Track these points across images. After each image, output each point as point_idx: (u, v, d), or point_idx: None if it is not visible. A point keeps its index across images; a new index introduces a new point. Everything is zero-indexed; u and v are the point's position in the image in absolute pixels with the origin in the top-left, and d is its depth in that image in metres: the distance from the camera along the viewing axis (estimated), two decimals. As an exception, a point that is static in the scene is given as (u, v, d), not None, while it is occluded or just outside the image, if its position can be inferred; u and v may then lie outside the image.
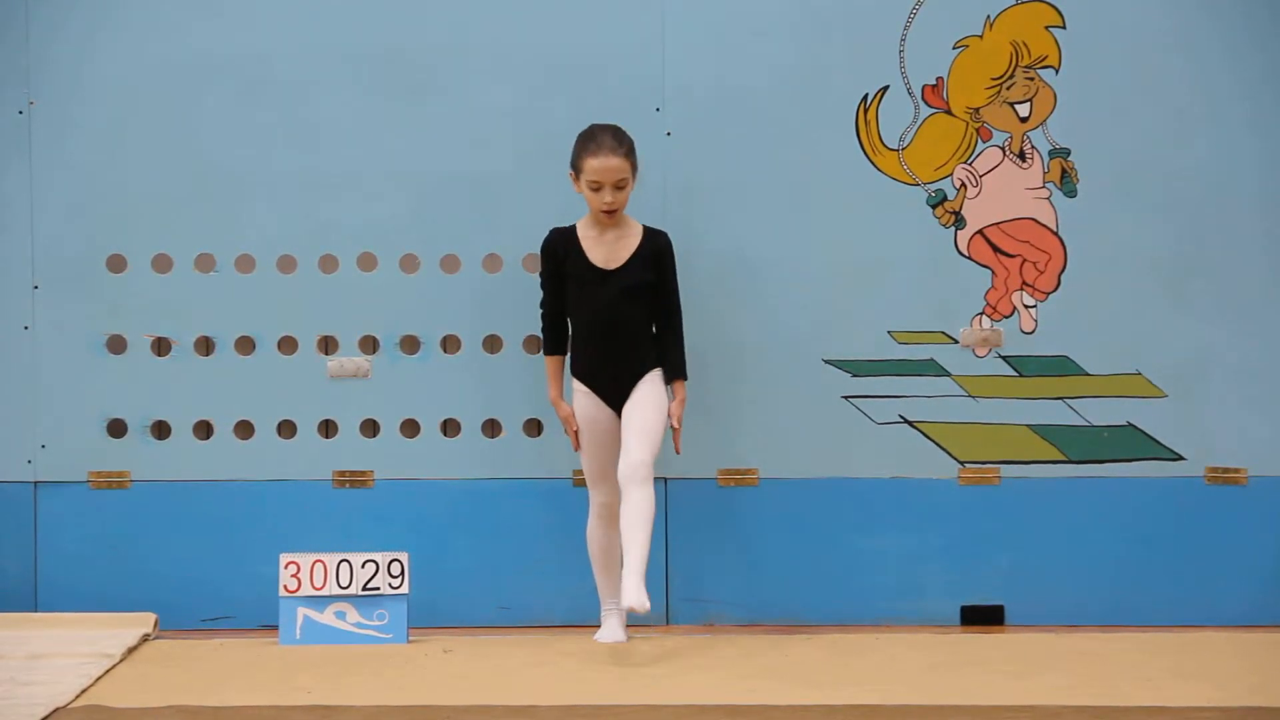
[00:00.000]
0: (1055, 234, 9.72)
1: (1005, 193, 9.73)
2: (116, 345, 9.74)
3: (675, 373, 9.04)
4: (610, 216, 8.88)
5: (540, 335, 9.22)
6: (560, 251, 8.97)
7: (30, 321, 9.71)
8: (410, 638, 9.27)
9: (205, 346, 9.77)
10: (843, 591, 9.71)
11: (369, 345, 9.76)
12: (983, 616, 9.75)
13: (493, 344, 9.75)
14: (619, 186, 8.82)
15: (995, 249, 9.74)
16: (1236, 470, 9.69)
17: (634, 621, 9.17)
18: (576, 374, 9.01)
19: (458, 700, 7.82)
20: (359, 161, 9.70)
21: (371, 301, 9.74)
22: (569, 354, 9.07)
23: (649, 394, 8.91)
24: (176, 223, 9.71)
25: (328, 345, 9.77)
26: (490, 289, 9.73)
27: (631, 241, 8.99)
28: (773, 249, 9.70)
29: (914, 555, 9.71)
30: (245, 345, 9.75)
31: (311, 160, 9.69)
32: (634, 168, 8.87)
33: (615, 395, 8.94)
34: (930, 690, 8.01)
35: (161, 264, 9.74)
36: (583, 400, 8.97)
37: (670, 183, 9.66)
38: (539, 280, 9.13)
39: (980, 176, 9.72)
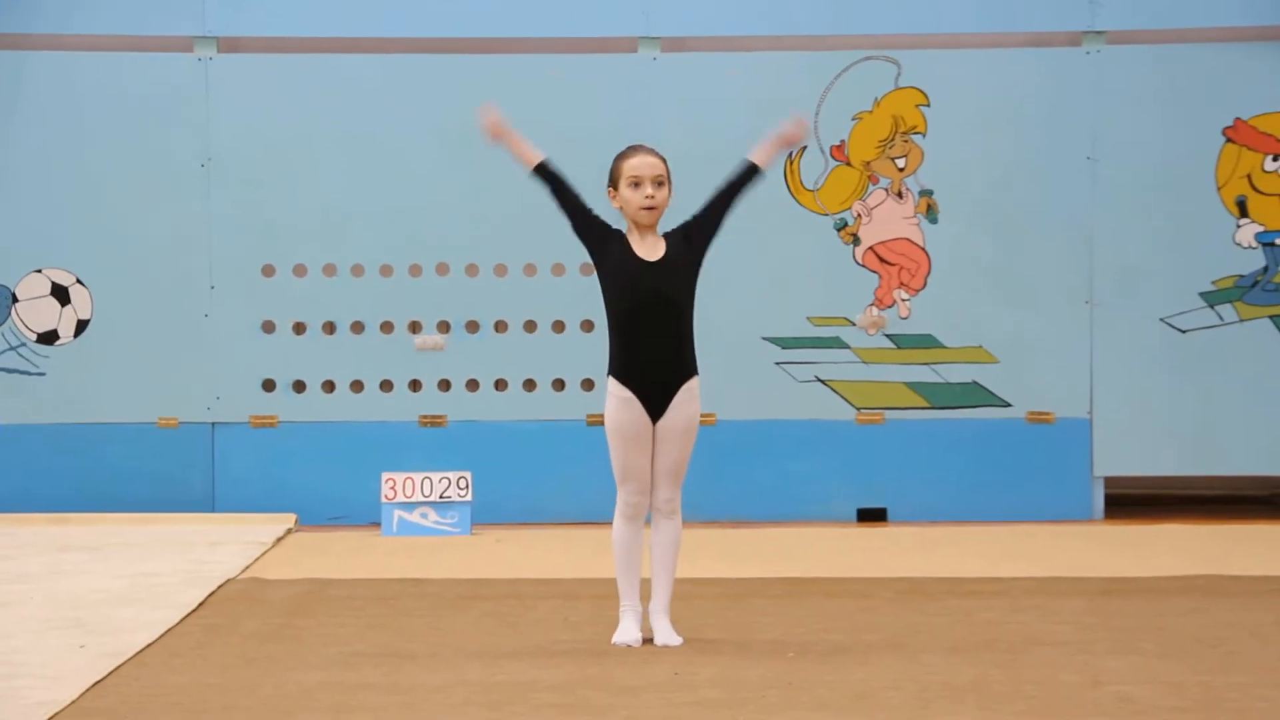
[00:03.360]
0: (923, 249, 9.74)
1: (888, 220, 9.74)
2: (268, 328, 9.77)
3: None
4: (650, 214, 6.36)
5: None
6: (610, 233, 6.45)
7: (209, 311, 9.73)
8: (473, 531, 9.31)
9: (330, 328, 9.79)
10: (775, 498, 9.73)
11: (444, 327, 9.78)
12: (871, 516, 9.77)
13: (530, 326, 9.77)
14: (658, 182, 6.40)
15: (881, 259, 9.76)
16: (1047, 413, 9.71)
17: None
18: (616, 374, 6.34)
19: (505, 575, 7.84)
20: (435, 199, 9.71)
21: (445, 296, 9.76)
22: (609, 352, 6.44)
23: (684, 423, 6.32)
24: (309, 242, 9.73)
25: (415, 327, 9.79)
26: (529, 288, 9.75)
27: (660, 240, 6.43)
28: (727, 258, 9.70)
29: (824, 473, 9.73)
30: (357, 327, 9.77)
31: (403, 198, 9.71)
32: (669, 178, 6.48)
33: (656, 397, 6.32)
34: (836, 567, 8.02)
35: (299, 271, 9.76)
36: (620, 407, 6.32)
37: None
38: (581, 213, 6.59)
39: (871, 209, 9.74)
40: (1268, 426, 9.68)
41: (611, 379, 6.33)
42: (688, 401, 6.30)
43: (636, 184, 6.37)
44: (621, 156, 6.46)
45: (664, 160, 6.42)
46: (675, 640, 6.17)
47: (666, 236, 6.44)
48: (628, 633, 6.24)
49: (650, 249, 6.39)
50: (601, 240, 6.41)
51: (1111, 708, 5.24)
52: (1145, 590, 7.27)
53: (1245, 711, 5.18)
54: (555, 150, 9.71)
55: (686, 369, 6.36)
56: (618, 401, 6.31)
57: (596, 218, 6.40)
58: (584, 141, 9.71)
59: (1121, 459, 9.71)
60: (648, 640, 6.21)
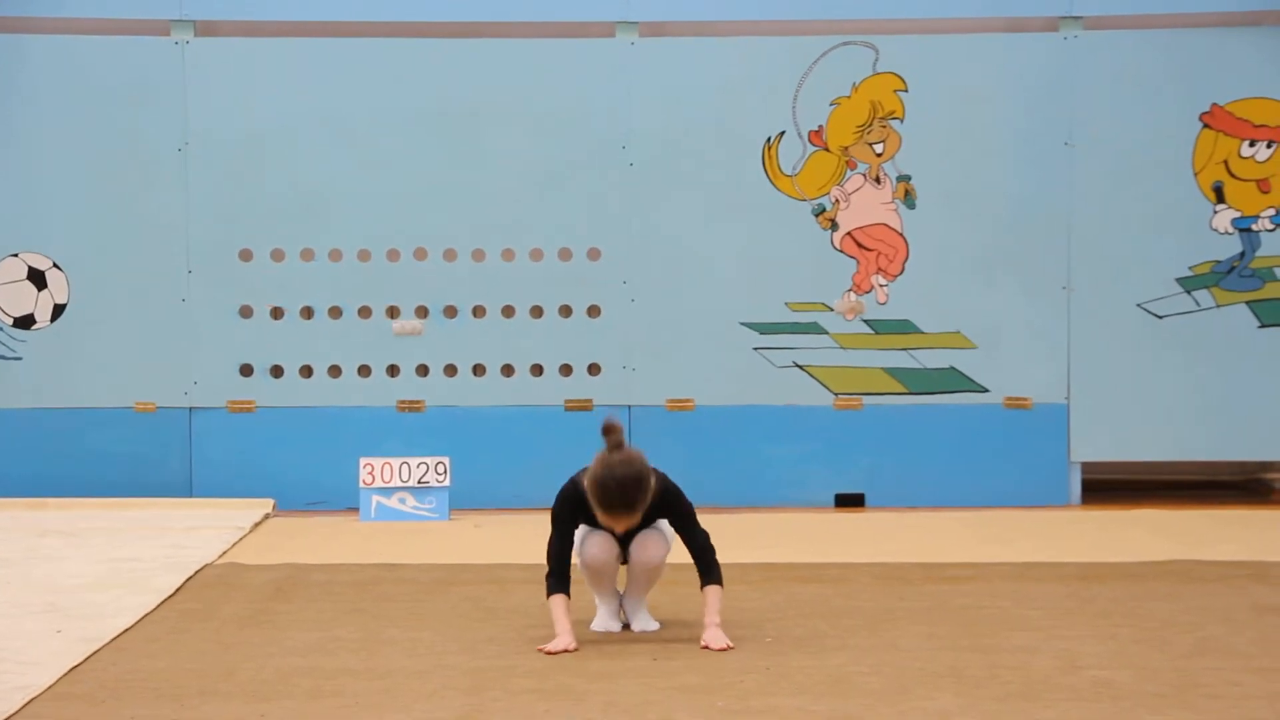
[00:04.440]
0: (901, 234, 9.75)
1: (866, 206, 9.75)
2: (246, 312, 9.75)
3: (709, 579, 6.02)
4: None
5: (546, 570, 6.02)
6: (579, 503, 5.95)
7: (186, 296, 9.71)
8: (451, 516, 9.31)
9: (307, 313, 9.77)
10: (752, 484, 9.74)
11: (422, 312, 9.77)
12: (849, 501, 9.79)
13: (508, 311, 9.76)
14: (630, 528, 6.06)
15: (859, 245, 9.77)
16: (1025, 399, 9.74)
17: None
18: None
19: (484, 560, 7.85)
20: (414, 184, 9.69)
21: (423, 281, 9.75)
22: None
23: (656, 536, 6.12)
24: (286, 227, 9.72)
25: (393, 312, 9.78)
26: (506, 273, 9.74)
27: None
28: (706, 244, 9.72)
29: (802, 459, 9.74)
30: (335, 312, 9.76)
31: (381, 184, 9.70)
32: (648, 500, 5.91)
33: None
34: (813, 552, 8.04)
35: (277, 256, 9.74)
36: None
37: (632, 201, 9.68)
38: (551, 518, 6.10)
39: (849, 195, 9.75)
40: (1244, 412, 9.72)
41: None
42: (656, 527, 6.13)
43: (608, 523, 5.99)
44: (599, 503, 5.88)
45: (643, 503, 5.89)
46: (652, 625, 6.19)
47: (652, 503, 5.98)
48: (605, 620, 6.21)
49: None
50: (574, 516, 6.02)
51: (1088, 692, 5.27)
52: (1122, 575, 7.30)
53: (1220, 696, 5.21)
54: (538, 130, 9.76)
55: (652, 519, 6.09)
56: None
57: (565, 518, 6.02)
58: (562, 127, 9.72)
59: (1098, 444, 9.74)
60: (625, 626, 6.22)
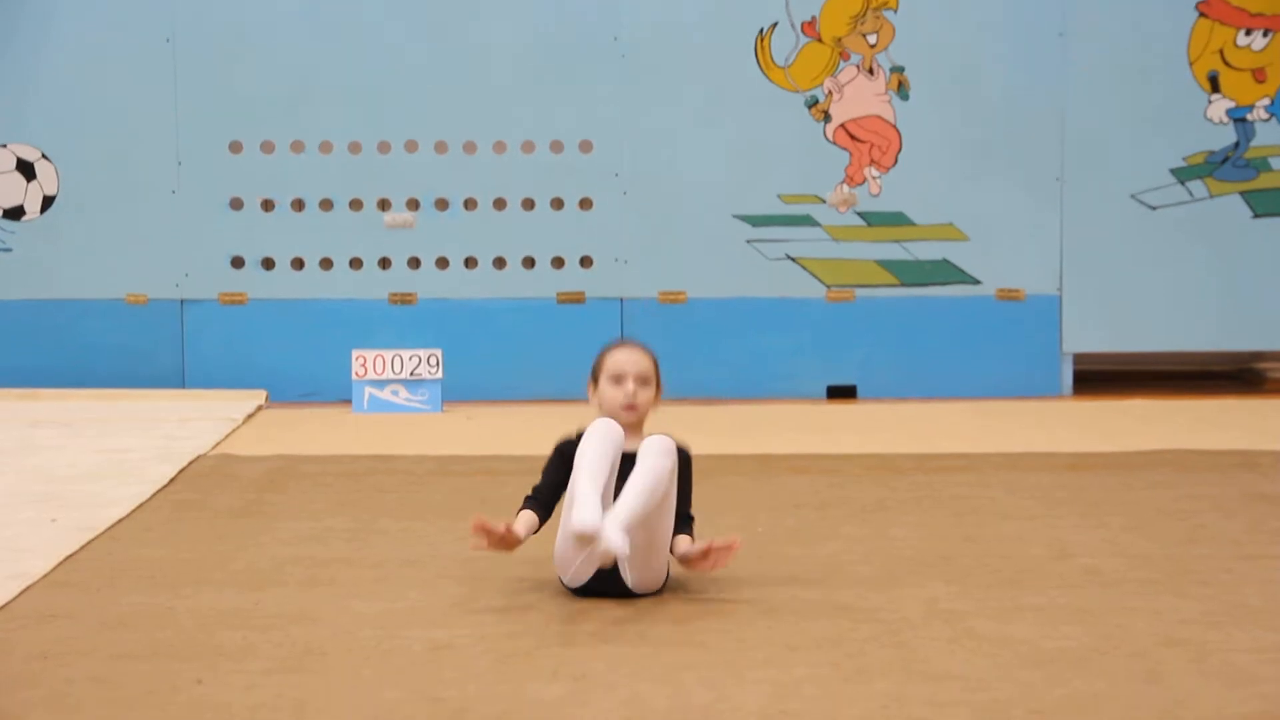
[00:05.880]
0: (894, 126, 9.71)
1: (859, 97, 9.70)
2: (236, 204, 9.72)
3: (686, 529, 5.22)
4: (630, 414, 5.20)
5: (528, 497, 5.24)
6: (571, 457, 5.11)
7: (176, 187, 9.67)
8: (443, 408, 9.32)
9: (298, 205, 9.74)
10: (745, 376, 9.76)
11: (413, 204, 9.75)
12: (841, 393, 9.82)
13: (500, 204, 9.73)
14: (643, 381, 5.25)
15: (852, 137, 9.73)
16: (1017, 290, 9.74)
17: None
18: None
19: (476, 451, 7.87)
20: (404, 74, 9.64)
21: (414, 173, 9.71)
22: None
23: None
24: (276, 119, 9.67)
25: (384, 204, 9.76)
26: (499, 165, 9.71)
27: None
28: (698, 136, 9.69)
29: (794, 351, 9.76)
30: (326, 205, 9.73)
31: (371, 74, 9.64)
32: (659, 379, 5.32)
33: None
34: (805, 444, 8.07)
35: (267, 147, 9.70)
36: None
37: (624, 93, 9.63)
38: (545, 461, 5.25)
39: (842, 86, 9.70)
40: (1236, 302, 9.73)
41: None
42: None
43: (618, 380, 5.24)
44: (606, 349, 5.33)
45: (654, 358, 5.31)
46: (623, 545, 4.83)
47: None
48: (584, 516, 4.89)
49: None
50: (567, 466, 5.12)
51: (1078, 580, 5.30)
52: (1113, 465, 7.33)
53: (1210, 583, 5.24)
54: (525, 24, 9.69)
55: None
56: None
57: (555, 466, 5.18)
58: (554, 17, 9.64)
59: (1090, 335, 9.75)
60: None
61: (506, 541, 4.99)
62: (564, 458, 5.15)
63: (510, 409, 9.29)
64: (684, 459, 5.17)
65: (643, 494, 4.93)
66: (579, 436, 5.11)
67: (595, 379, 5.30)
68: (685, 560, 5.11)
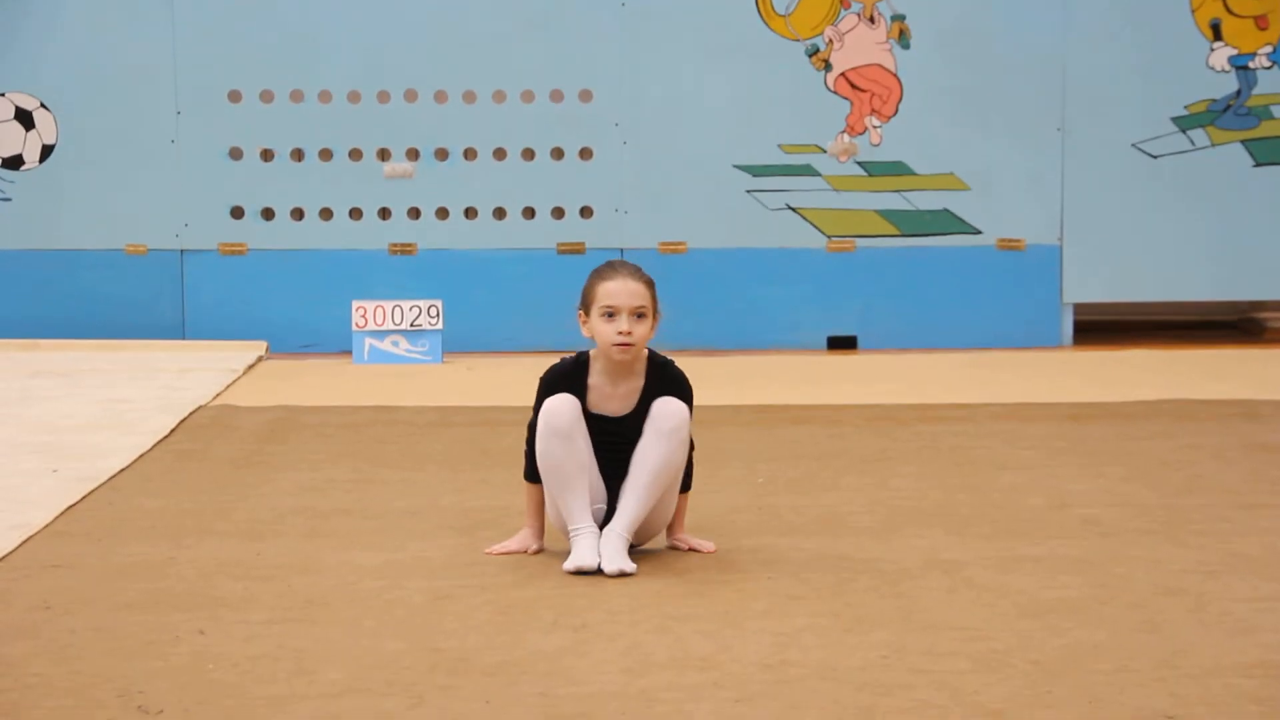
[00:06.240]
0: (895, 75, 9.69)
1: (860, 46, 9.68)
2: (236, 154, 9.70)
3: (682, 487, 5.03)
4: (625, 352, 4.83)
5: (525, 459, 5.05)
6: (558, 388, 4.91)
7: (175, 137, 9.65)
8: (444, 359, 9.33)
9: (298, 155, 9.73)
10: (745, 326, 9.76)
11: (413, 154, 9.73)
12: (841, 344, 9.82)
13: (500, 154, 9.72)
14: (638, 314, 4.85)
15: (853, 86, 9.70)
16: (1018, 240, 9.73)
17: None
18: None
19: (476, 402, 7.88)
20: (403, 24, 9.61)
21: (414, 123, 9.69)
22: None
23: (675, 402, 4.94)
24: (275, 68, 9.64)
25: (383, 154, 9.74)
26: (498, 115, 9.69)
27: (638, 383, 4.94)
28: (698, 86, 9.66)
29: (794, 301, 9.75)
30: (325, 154, 9.71)
31: (370, 23, 9.61)
32: (655, 305, 4.92)
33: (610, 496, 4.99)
34: (805, 394, 8.08)
35: (266, 97, 9.67)
36: None
37: (624, 42, 9.60)
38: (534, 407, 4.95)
39: (843, 35, 9.66)
40: (1237, 251, 9.72)
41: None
42: None
43: (611, 315, 4.85)
44: (597, 275, 4.94)
45: (650, 284, 4.91)
46: (629, 566, 4.78)
47: (652, 372, 4.95)
48: (583, 555, 4.80)
49: (618, 396, 4.93)
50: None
51: (1077, 529, 5.31)
52: (1112, 415, 7.34)
53: (1208, 533, 5.26)
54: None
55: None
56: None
57: (540, 402, 4.90)
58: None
59: (1091, 285, 9.75)
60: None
61: (529, 551, 5.02)
62: (552, 385, 4.92)
63: (510, 360, 9.29)
64: (688, 398, 5.00)
65: (647, 494, 4.84)
66: (563, 367, 4.94)
67: (586, 307, 4.94)
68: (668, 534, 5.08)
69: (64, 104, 9.60)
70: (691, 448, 5.01)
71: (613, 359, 4.88)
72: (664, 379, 4.96)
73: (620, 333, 4.83)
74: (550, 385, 4.94)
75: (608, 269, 4.95)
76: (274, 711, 3.72)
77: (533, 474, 4.97)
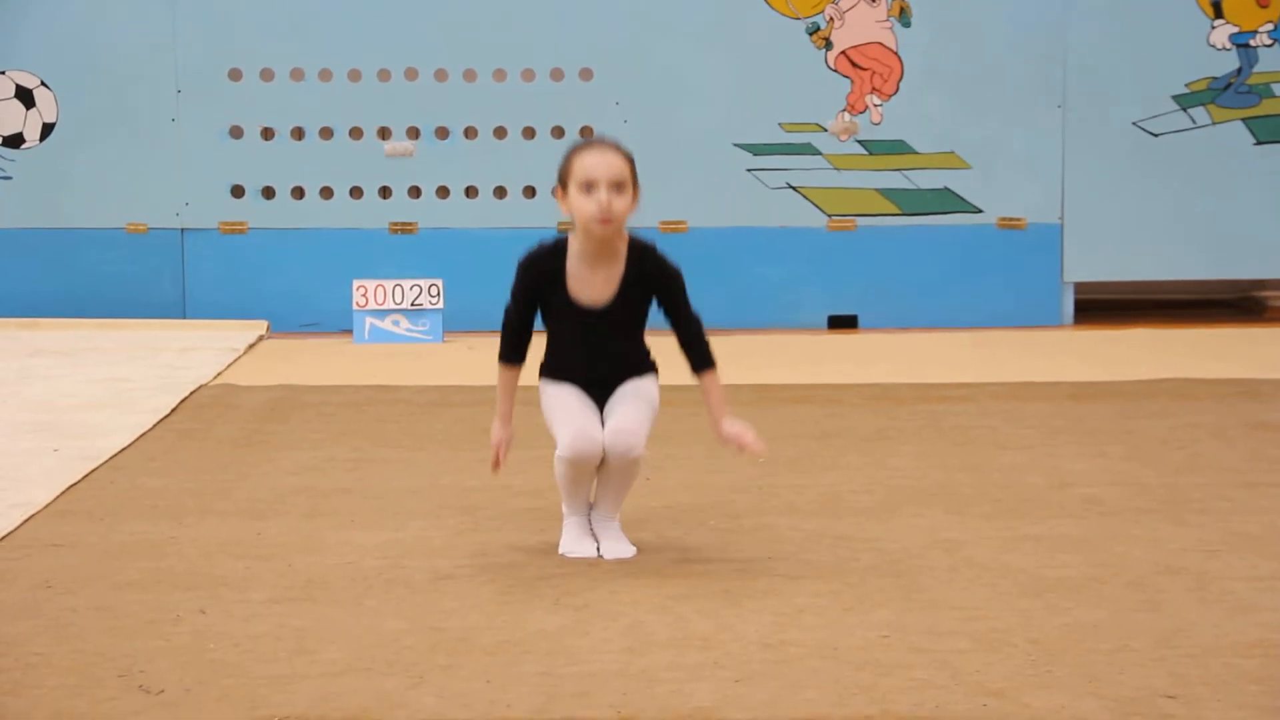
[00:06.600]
0: (896, 53, 9.67)
1: (861, 24, 9.66)
2: (236, 133, 9.69)
3: (703, 363, 4.89)
4: (604, 228, 4.70)
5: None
6: (538, 277, 4.86)
7: (175, 116, 9.64)
8: (445, 338, 9.33)
9: (298, 134, 9.71)
10: (746, 306, 9.75)
11: (414, 133, 9.72)
12: (842, 323, 9.82)
13: (500, 133, 9.70)
14: (617, 188, 4.72)
15: (853, 64, 9.69)
16: (1018, 219, 9.72)
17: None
18: (548, 375, 4.91)
19: (477, 382, 7.87)
20: (403, 3, 9.58)
21: (415, 102, 9.68)
22: (545, 354, 4.95)
23: (640, 385, 4.85)
24: (275, 46, 9.62)
25: (384, 133, 9.73)
26: (499, 93, 9.67)
27: (618, 269, 4.81)
28: (699, 64, 9.65)
29: (795, 281, 9.74)
30: (326, 133, 9.70)
31: (369, 2, 9.59)
32: (635, 180, 4.79)
33: (597, 397, 4.86)
34: (806, 374, 8.07)
35: (266, 75, 9.66)
36: (563, 386, 4.87)
37: (624, 20, 9.58)
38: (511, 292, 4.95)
39: (843, 13, 9.65)
40: (1238, 229, 9.71)
41: (543, 376, 4.90)
42: (633, 379, 4.86)
43: (589, 188, 4.70)
44: (575, 150, 4.79)
45: (629, 158, 4.79)
46: (628, 550, 4.82)
47: (629, 258, 4.82)
48: (575, 540, 4.86)
49: (597, 282, 4.81)
50: (535, 288, 4.87)
51: (1077, 509, 5.32)
52: (1113, 394, 7.33)
53: (1209, 511, 5.26)
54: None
55: (625, 376, 4.86)
56: (550, 384, 4.87)
57: (523, 289, 4.88)
58: (554, -57, 9.59)
59: (1092, 264, 9.74)
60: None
61: (507, 447, 4.88)
62: (528, 287, 4.83)
63: (511, 338, 9.27)
64: (675, 282, 4.85)
65: (623, 483, 4.78)
66: (542, 250, 4.82)
67: (564, 184, 4.76)
68: (715, 430, 4.79)
69: (65, 82, 9.59)
70: (699, 323, 4.89)
71: (592, 235, 4.73)
72: (644, 267, 4.82)
73: (600, 205, 4.68)
74: (528, 269, 4.82)
75: (585, 144, 4.79)
76: (275, 691, 3.73)
77: (507, 355, 4.88)
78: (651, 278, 4.84)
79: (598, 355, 4.83)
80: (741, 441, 4.75)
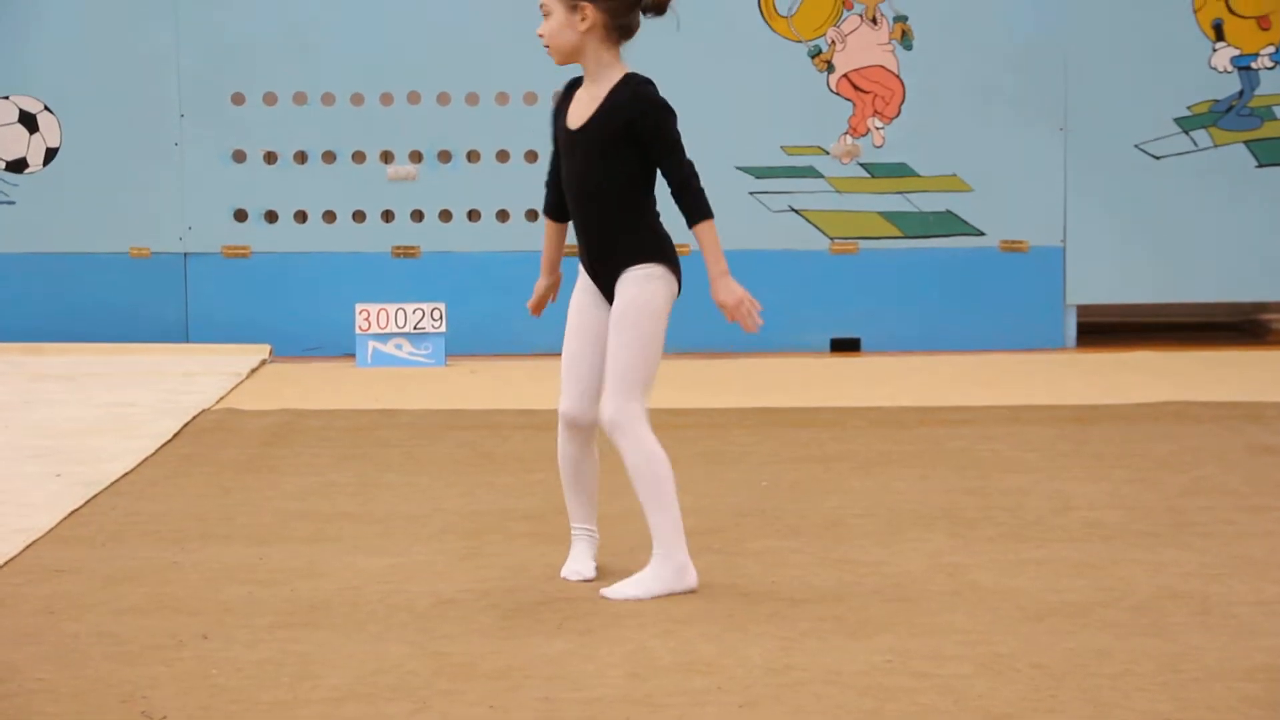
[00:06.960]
0: (898, 76, 9.68)
1: (863, 47, 9.67)
2: (239, 157, 9.70)
3: (694, 215, 4.94)
4: (548, 52, 4.91)
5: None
6: (557, 108, 4.90)
7: (179, 140, 9.65)
8: (447, 362, 9.33)
9: (301, 158, 9.73)
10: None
11: (416, 157, 9.73)
12: (845, 346, 9.81)
13: (503, 156, 9.71)
14: (544, 12, 4.92)
15: (855, 87, 9.70)
16: (1021, 242, 9.72)
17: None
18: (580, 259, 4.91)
19: (480, 405, 7.88)
20: (407, 26, 9.61)
21: (418, 125, 9.69)
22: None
23: (625, 311, 4.82)
24: (279, 71, 9.64)
25: (387, 157, 9.74)
26: (501, 117, 9.68)
27: (599, 94, 4.87)
28: (701, 87, 9.65)
29: (797, 304, 9.73)
30: (329, 157, 9.71)
31: (374, 26, 9.61)
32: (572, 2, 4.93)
33: (604, 289, 4.89)
34: (809, 397, 8.07)
35: (269, 99, 9.67)
36: (578, 289, 4.88)
37: (628, 46, 9.56)
38: None
39: (845, 36, 9.66)
40: (1240, 252, 9.71)
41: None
42: (626, 285, 4.83)
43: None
44: None
45: None
46: (628, 593, 4.63)
47: (613, 88, 4.88)
48: (577, 562, 4.85)
49: (582, 105, 4.83)
50: (555, 123, 4.92)
51: (1080, 533, 5.31)
52: (1116, 417, 7.33)
53: (1212, 535, 5.25)
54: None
55: (622, 260, 4.84)
56: (578, 284, 4.91)
57: (553, 133, 4.92)
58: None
59: (1094, 287, 9.74)
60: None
61: (552, 293, 5.02)
62: (553, 123, 4.89)
63: (514, 362, 9.29)
64: (651, 115, 4.84)
65: (655, 515, 4.68)
66: (564, 85, 4.92)
67: None
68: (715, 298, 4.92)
69: (68, 107, 9.60)
70: (687, 171, 4.92)
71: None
72: (623, 95, 4.85)
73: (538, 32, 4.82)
74: (554, 104, 4.92)
75: None
76: (278, 717, 3.73)
77: (544, 206, 4.97)
78: (626, 105, 4.82)
79: (590, 217, 4.83)
80: (735, 316, 4.88)
